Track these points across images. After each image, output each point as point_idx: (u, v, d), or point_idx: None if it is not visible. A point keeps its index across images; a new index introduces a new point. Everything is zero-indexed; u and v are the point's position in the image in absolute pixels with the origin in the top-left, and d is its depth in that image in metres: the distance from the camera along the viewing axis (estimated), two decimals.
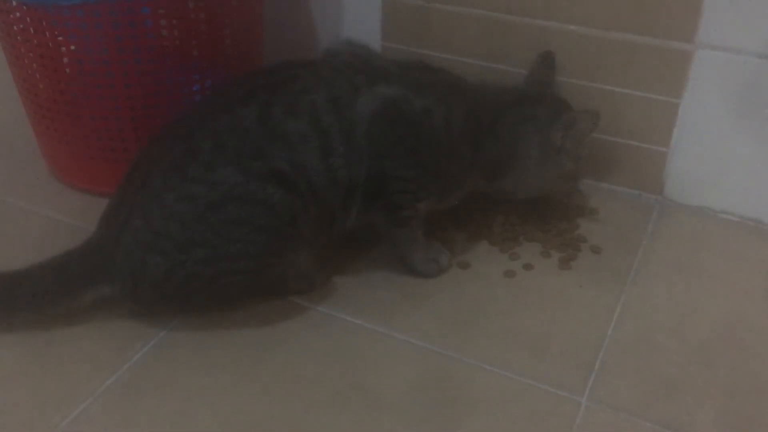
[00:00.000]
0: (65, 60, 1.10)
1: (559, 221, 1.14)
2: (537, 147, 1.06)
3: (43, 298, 0.93)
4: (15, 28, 1.08)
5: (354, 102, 0.94)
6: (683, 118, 1.13)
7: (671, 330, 0.96)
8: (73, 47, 1.09)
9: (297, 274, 0.99)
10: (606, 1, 1.10)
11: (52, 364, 0.91)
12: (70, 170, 1.22)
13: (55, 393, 0.87)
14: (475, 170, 1.05)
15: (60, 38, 1.09)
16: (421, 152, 0.98)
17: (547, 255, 1.09)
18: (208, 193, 0.89)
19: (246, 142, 0.90)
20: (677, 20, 1.07)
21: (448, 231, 1.12)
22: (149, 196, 0.91)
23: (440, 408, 0.86)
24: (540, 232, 1.12)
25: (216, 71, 1.16)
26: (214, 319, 0.97)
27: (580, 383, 0.89)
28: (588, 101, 1.13)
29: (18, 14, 1.07)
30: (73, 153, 1.18)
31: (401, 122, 0.96)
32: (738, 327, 0.97)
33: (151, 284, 0.91)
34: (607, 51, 1.13)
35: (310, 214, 0.93)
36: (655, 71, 1.11)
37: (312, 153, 0.91)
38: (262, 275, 0.95)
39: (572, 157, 1.07)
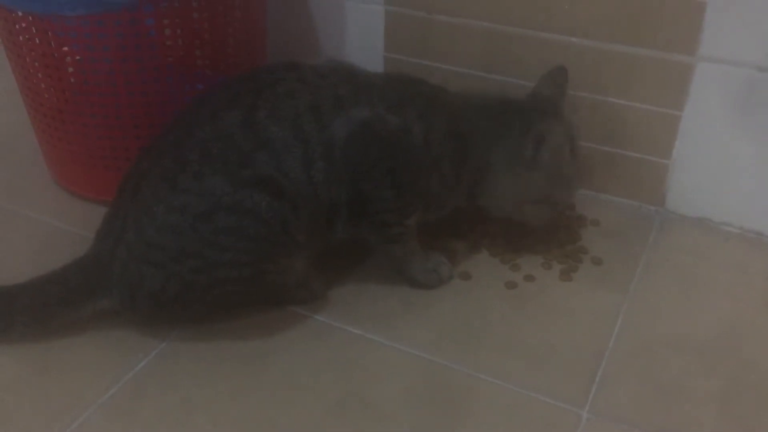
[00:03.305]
0: (69, 69, 1.11)
1: (560, 232, 1.14)
2: (505, 160, 1.01)
3: (42, 312, 0.93)
4: (20, 37, 1.09)
5: (335, 117, 0.93)
6: (685, 130, 1.13)
7: (672, 341, 0.96)
8: (77, 56, 1.10)
9: (296, 283, 1.00)
10: (608, 14, 1.10)
11: (54, 374, 0.91)
12: (74, 178, 1.22)
13: (57, 402, 0.87)
14: (461, 185, 1.03)
15: (64, 47, 1.09)
16: (398, 172, 0.96)
17: (548, 266, 1.09)
18: (197, 204, 0.89)
19: (232, 149, 0.90)
20: (679, 33, 1.07)
21: (449, 241, 1.12)
22: (140, 209, 0.91)
23: (439, 418, 0.86)
24: (541, 244, 1.12)
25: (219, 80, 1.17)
26: (214, 330, 0.97)
27: (581, 395, 0.89)
28: (590, 113, 1.13)
29: (23, 24, 1.07)
30: (77, 161, 1.18)
31: (376, 144, 0.95)
32: (739, 338, 0.97)
33: (149, 295, 0.92)
34: (609, 63, 1.13)
35: (301, 220, 0.93)
36: (656, 84, 1.11)
37: (294, 161, 0.91)
38: (259, 283, 0.95)
39: (550, 174, 1.01)
